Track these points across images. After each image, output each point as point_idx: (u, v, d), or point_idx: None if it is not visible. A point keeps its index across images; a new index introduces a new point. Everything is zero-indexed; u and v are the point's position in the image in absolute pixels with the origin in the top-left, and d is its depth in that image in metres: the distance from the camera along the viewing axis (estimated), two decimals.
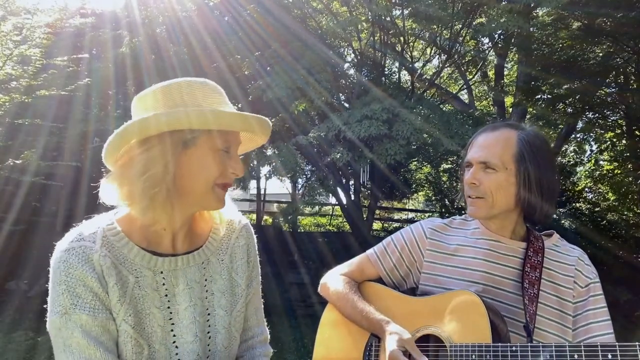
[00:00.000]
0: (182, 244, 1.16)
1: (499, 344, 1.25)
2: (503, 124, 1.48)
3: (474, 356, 1.27)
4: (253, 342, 1.32)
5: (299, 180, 13.48)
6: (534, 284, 1.39)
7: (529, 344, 1.25)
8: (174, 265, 1.12)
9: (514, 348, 1.24)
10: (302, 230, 14.30)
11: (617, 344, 1.14)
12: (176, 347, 1.11)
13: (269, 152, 9.33)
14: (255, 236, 1.32)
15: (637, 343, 1.11)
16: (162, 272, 1.11)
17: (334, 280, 1.63)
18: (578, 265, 1.44)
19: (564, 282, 1.43)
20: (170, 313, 1.11)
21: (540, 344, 1.26)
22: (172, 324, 1.11)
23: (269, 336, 1.37)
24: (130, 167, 1.04)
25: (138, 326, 1.06)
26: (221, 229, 1.24)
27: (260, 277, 1.33)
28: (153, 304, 1.08)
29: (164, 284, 1.11)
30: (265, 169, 9.41)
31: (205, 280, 1.17)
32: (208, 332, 1.16)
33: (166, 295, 1.11)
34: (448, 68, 12.02)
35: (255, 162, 8.66)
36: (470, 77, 12.55)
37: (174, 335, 1.11)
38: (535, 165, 1.38)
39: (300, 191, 10.80)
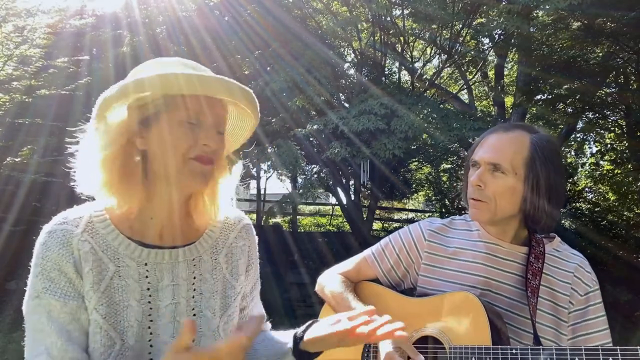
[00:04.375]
0: (172, 236, 1.09)
1: (499, 347, 1.24)
2: (516, 126, 1.41)
3: (473, 359, 1.27)
4: None
5: (299, 179, 13.47)
6: (535, 292, 1.36)
7: (529, 347, 1.24)
8: (161, 258, 1.06)
9: (514, 351, 1.22)
10: (302, 230, 14.30)
11: (618, 347, 1.12)
12: (150, 345, 1.04)
13: (269, 150, 9.36)
14: (256, 238, 1.26)
15: (638, 347, 1.10)
16: (146, 264, 1.04)
17: (330, 280, 1.62)
18: (577, 272, 1.40)
19: (560, 288, 1.39)
20: (150, 309, 1.04)
21: (541, 347, 1.24)
22: (151, 320, 1.04)
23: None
24: (95, 152, 1.01)
25: (111, 318, 1.01)
26: (219, 226, 1.18)
27: (259, 282, 1.28)
28: (132, 297, 1.02)
29: (147, 277, 1.04)
30: (265, 165, 9.46)
31: (194, 278, 1.10)
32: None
33: (148, 289, 1.04)
34: (448, 68, 12.00)
35: (255, 160, 8.67)
36: (470, 77, 12.54)
37: (150, 333, 1.04)
38: (546, 172, 1.32)
39: (300, 191, 10.81)
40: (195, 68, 1.07)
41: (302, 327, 1.11)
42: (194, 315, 1.09)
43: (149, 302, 1.04)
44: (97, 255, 1.01)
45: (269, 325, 1.32)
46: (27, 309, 1.00)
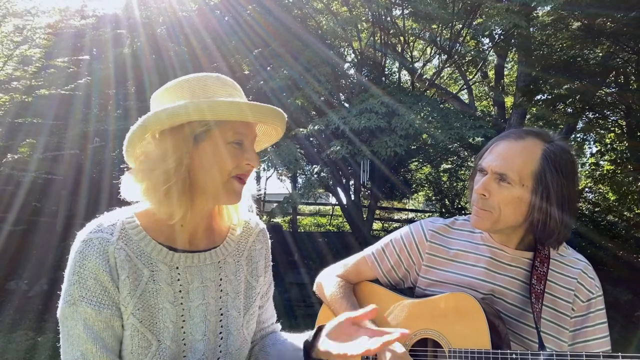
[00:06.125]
0: (199, 241, 1.16)
1: (499, 351, 1.24)
2: (530, 132, 1.35)
3: None
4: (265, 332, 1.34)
5: (299, 180, 13.47)
6: (539, 298, 1.32)
7: (529, 351, 1.23)
8: (190, 262, 1.12)
9: (514, 355, 1.22)
10: (302, 230, 14.30)
11: (620, 354, 1.11)
12: (184, 344, 1.10)
13: (269, 148, 9.37)
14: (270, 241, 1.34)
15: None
16: (177, 268, 1.11)
17: (328, 282, 1.60)
18: (580, 278, 1.37)
19: (563, 295, 1.36)
20: (183, 310, 1.10)
21: (541, 352, 1.23)
22: (183, 320, 1.10)
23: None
24: (145, 162, 1.06)
25: (147, 321, 1.06)
26: (238, 229, 1.24)
27: (273, 283, 1.35)
28: (166, 299, 1.08)
29: (179, 280, 1.10)
30: (264, 164, 9.50)
31: (221, 279, 1.17)
32: (220, 333, 1.16)
33: (180, 291, 1.10)
34: (448, 68, 12.00)
35: None
36: (470, 77, 12.54)
37: (184, 333, 1.10)
38: (558, 183, 1.27)
39: (301, 192, 10.83)
40: (234, 87, 1.13)
41: (311, 335, 1.11)
42: (222, 314, 1.16)
43: (181, 304, 1.10)
44: (132, 262, 1.06)
45: (279, 326, 1.38)
46: (62, 314, 1.04)
